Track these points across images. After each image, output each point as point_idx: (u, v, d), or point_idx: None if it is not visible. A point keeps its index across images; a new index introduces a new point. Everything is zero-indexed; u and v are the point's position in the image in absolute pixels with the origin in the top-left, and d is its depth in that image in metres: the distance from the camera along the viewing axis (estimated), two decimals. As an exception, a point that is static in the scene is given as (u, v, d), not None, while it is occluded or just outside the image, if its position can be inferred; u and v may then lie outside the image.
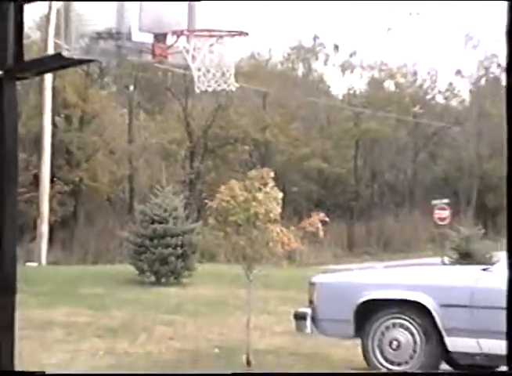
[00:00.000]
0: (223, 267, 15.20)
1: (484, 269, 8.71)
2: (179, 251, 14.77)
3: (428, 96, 31.39)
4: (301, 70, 29.14)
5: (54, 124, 20.89)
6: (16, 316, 5.63)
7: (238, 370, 8.54)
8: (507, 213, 1.46)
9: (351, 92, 30.83)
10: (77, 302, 13.16)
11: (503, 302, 6.71)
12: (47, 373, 6.31)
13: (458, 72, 30.94)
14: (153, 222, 14.95)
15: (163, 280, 15.14)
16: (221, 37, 6.18)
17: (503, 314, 6.66)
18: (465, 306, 8.26)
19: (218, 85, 6.54)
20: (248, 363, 8.62)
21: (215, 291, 14.71)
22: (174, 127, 26.49)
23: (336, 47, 28.46)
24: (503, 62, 31.05)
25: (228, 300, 13.27)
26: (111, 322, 11.61)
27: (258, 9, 17.32)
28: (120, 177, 25.72)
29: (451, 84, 31.72)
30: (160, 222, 14.81)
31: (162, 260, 14.49)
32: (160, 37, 5.84)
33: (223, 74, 6.44)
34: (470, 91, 31.77)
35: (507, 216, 1.48)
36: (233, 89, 6.88)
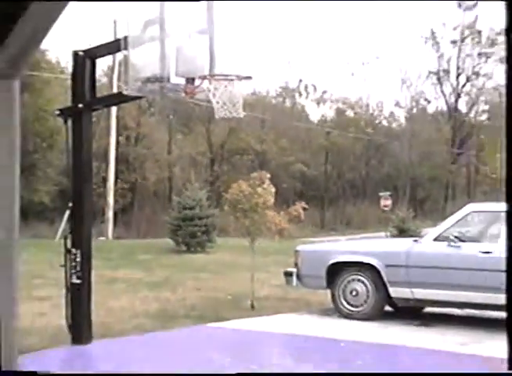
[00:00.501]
0: (234, 240, 17.73)
1: (415, 240, 11.21)
2: (203, 229, 19.17)
3: (377, 121, 41.59)
4: (288, 103, 39.38)
5: (117, 142, 26.43)
6: (92, 274, 8.13)
7: (245, 311, 11.04)
8: (507, 215, 1.44)
9: (324, 118, 40.75)
10: (133, 265, 16.52)
11: (428, 262, 9.40)
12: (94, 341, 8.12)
13: (397, 104, 40.71)
14: (185, 209, 19.36)
15: (192, 249, 19.44)
16: (232, 80, 8.38)
17: (428, 271, 9.33)
18: (402, 266, 10.61)
19: (231, 113, 8.92)
20: (252, 306, 11.19)
21: (229, 256, 18.23)
22: (200, 143, 34.52)
23: (314, 87, 37.84)
24: (429, 96, 39.03)
25: (238, 263, 15.95)
26: (156, 278, 14.59)
27: (260, 57, 22.25)
28: (162, 178, 33.13)
29: (392, 112, 42.09)
30: (190, 209, 19.07)
31: (191, 235, 18.73)
32: (190, 80, 8.05)
33: (234, 106, 8.76)
34: (405, 117, 41.44)
35: (507, 218, 1.46)
36: (241, 116, 9.44)
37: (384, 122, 40.45)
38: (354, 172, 37.07)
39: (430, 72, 36.93)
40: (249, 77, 8.91)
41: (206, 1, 8.46)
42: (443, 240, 10.40)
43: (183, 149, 32.82)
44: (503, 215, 9.26)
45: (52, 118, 12.41)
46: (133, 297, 12.03)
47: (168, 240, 20.44)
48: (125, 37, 8.16)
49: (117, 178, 25.75)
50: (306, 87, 37.55)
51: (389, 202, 23.35)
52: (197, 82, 8.42)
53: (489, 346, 8.62)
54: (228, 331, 9.83)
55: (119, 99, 10.65)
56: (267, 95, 37.36)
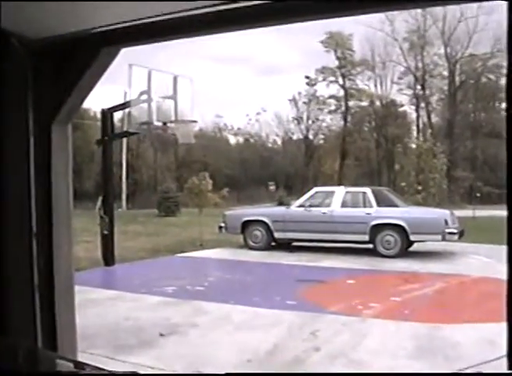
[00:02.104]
0: (191, 210, 21.93)
1: (287, 207, 16.37)
2: (174, 203, 28.51)
3: (266, 144, 58.02)
4: (218, 135, 55.40)
5: (126, 157, 39.20)
6: (114, 229, 12.96)
7: (197, 247, 15.81)
8: (508, 215, 1.31)
9: (237, 143, 56.99)
10: (136, 223, 22.14)
11: (294, 219, 15.79)
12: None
13: (277, 135, 58.18)
14: (164, 193, 28.96)
15: (168, 214, 28.38)
16: (187, 122, 13.82)
17: (294, 223, 15.76)
18: (280, 221, 15.76)
19: (187, 141, 14.75)
20: (201, 244, 16.44)
21: (188, 218, 23.44)
22: (172, 158, 48.78)
23: (232, 126, 55.73)
24: (293, 131, 56.54)
25: (193, 222, 20.06)
26: (149, 231, 20.17)
27: (202, 110, 43.09)
28: (151, 177, 47.46)
29: (274, 139, 58.94)
30: (167, 193, 27.81)
31: (168, 207, 27.42)
32: (164, 123, 13.25)
33: (188, 137, 14.34)
34: (282, 142, 58.73)
35: (508, 218, 1.31)
36: (193, 142, 15.45)
37: (270, 145, 57.98)
38: (255, 171, 51.26)
39: (293, 118, 56.78)
40: (195, 121, 14.78)
41: (172, 77, 14.08)
42: (301, 207, 15.79)
43: (162, 160, 48.98)
44: (332, 193, 15.91)
45: (92, 145, 16.55)
46: (136, 241, 17.44)
47: (155, 210, 29.63)
48: (129, 101, 12.86)
49: (127, 177, 38.59)
50: (228, 126, 56.35)
51: (273, 187, 32.54)
52: (168, 124, 13.38)
53: (325, 262, 13.77)
54: (188, 258, 15.07)
55: (126, 134, 16.44)
56: (207, 131, 53.95)
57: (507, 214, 1.36)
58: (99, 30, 2.12)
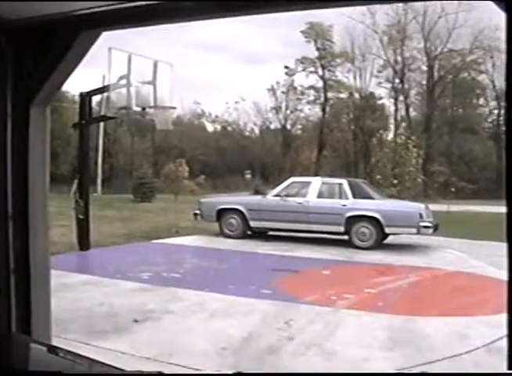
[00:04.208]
0: (167, 196, 22.35)
1: (263, 196, 16.34)
2: (150, 189, 27.85)
3: (244, 133, 58.39)
4: (196, 122, 56.19)
5: (103, 141, 39.02)
6: (90, 214, 12.97)
7: (172, 234, 15.82)
8: (507, 212, 1.26)
9: (215, 130, 57.36)
10: (112, 209, 21.99)
11: (270, 208, 15.83)
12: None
13: (255, 124, 58.80)
14: (140, 178, 28.55)
15: (144, 200, 27.75)
16: (166, 108, 13.73)
17: (270, 212, 15.82)
18: (256, 210, 15.75)
19: (165, 127, 15.08)
20: (176, 231, 16.36)
21: (164, 205, 23.02)
22: (149, 143, 49.07)
23: (210, 113, 56.67)
24: (271, 120, 58.16)
25: (169, 208, 20.22)
26: (124, 216, 20.05)
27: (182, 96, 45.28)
28: (128, 162, 47.13)
29: (252, 128, 59.12)
30: (142, 178, 27.43)
31: (143, 193, 26.96)
32: (143, 109, 13.31)
33: (166, 123, 14.47)
34: (259, 131, 58.81)
35: (507, 220, 1.27)
36: (171, 128, 15.85)
37: (248, 133, 58.68)
38: (232, 160, 51.42)
39: (271, 107, 57.52)
40: (174, 107, 14.71)
41: (152, 62, 13.56)
42: (277, 196, 15.79)
43: (139, 146, 49.28)
44: (308, 183, 15.98)
45: (69, 128, 16.10)
46: (112, 226, 17.34)
47: (130, 195, 29.41)
48: (108, 85, 12.70)
49: (103, 161, 38.60)
50: (206, 113, 57.28)
51: (249, 176, 32.71)
52: (147, 110, 13.43)
53: (300, 252, 13.79)
54: (163, 244, 15.00)
55: (104, 118, 16.34)
56: (185, 117, 54.88)
57: (507, 211, 1.34)
58: (80, 12, 2.08)
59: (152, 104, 13.38)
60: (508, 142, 1.38)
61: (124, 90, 12.80)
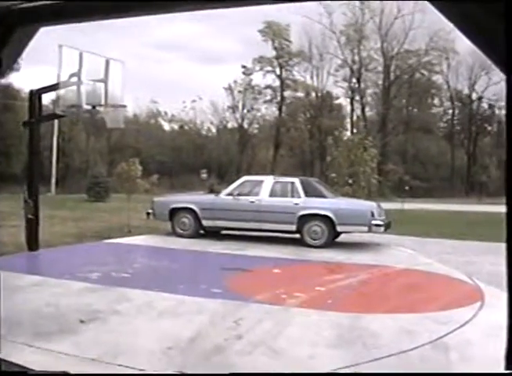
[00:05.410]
0: (121, 195, 20.28)
1: (216, 195, 16.17)
2: (104, 189, 28.63)
3: (201, 132, 60.38)
4: (153, 121, 57.87)
5: (58, 141, 39.36)
6: (40, 213, 12.45)
7: (125, 234, 15.84)
8: (507, 217, 1.23)
9: (172, 130, 59.16)
10: (64, 208, 21.93)
11: (222, 207, 15.75)
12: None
13: (212, 123, 60.88)
14: (94, 178, 29.09)
15: (97, 200, 28.45)
16: (116, 106, 13.60)
17: (223, 211, 15.76)
18: (209, 209, 15.73)
19: (116, 125, 15.24)
20: (129, 231, 16.27)
21: (117, 204, 23.04)
22: (104, 142, 50.20)
23: (166, 113, 58.21)
24: (228, 119, 60.79)
25: (122, 207, 19.62)
26: (77, 216, 20.04)
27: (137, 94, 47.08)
28: (83, 161, 48.00)
29: (209, 127, 61.80)
30: (96, 178, 27.84)
31: (97, 192, 27.38)
32: (93, 107, 13.34)
33: (117, 121, 14.25)
34: (216, 130, 61.21)
35: (507, 220, 1.22)
36: (122, 127, 15.69)
37: (204, 133, 60.04)
38: (188, 159, 52.63)
39: (228, 107, 59.01)
40: (124, 106, 14.34)
41: (104, 60, 13.71)
42: (230, 195, 15.72)
43: (95, 145, 49.92)
44: (261, 182, 15.96)
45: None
46: (63, 226, 17.17)
47: (84, 195, 29.85)
48: (58, 83, 12.37)
49: (57, 160, 38.81)
50: (161, 113, 58.62)
51: (205, 175, 32.87)
52: (98, 108, 13.42)
53: (252, 251, 13.75)
54: (114, 244, 14.79)
55: (54, 116, 16.09)
56: (141, 116, 56.37)
57: (506, 211, 1.31)
58: (15, 7, 2.02)
59: (102, 102, 13.35)
60: (508, 142, 1.35)
61: (74, 88, 12.81)
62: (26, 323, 6.95)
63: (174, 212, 16.18)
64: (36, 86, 13.28)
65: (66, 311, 7.69)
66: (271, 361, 5.88)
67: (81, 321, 7.15)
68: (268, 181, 15.72)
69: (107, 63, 13.30)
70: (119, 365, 5.56)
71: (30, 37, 2.33)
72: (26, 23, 2.17)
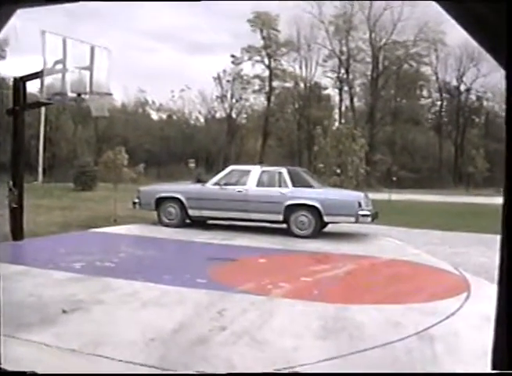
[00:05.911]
0: (109, 185, 20.83)
1: (202, 185, 15.87)
2: (90, 178, 28.12)
3: (189, 121, 60.09)
4: (141, 110, 57.81)
5: (45, 129, 38.80)
6: (24, 202, 12.61)
7: (110, 222, 15.68)
8: (503, 204, 1.22)
9: (160, 119, 58.88)
10: (51, 197, 21.73)
11: (209, 196, 15.69)
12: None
13: (200, 112, 60.76)
14: (81, 167, 28.44)
15: (84, 189, 28.00)
16: (101, 94, 13.37)
17: (209, 201, 15.67)
18: (195, 198, 15.66)
19: (101, 114, 14.88)
20: (115, 220, 16.13)
21: (104, 193, 22.80)
22: (92, 131, 50.16)
23: (154, 102, 58.37)
24: (217, 109, 60.31)
25: (108, 196, 19.66)
26: (64, 205, 19.86)
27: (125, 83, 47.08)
28: (70, 150, 47.25)
29: (197, 117, 61.45)
30: (83, 167, 27.41)
31: (84, 181, 27.04)
32: (78, 95, 12.98)
33: (102, 110, 14.11)
34: (204, 120, 61.13)
35: (506, 216, 1.22)
36: (107, 115, 15.45)
37: (193, 122, 59.86)
38: (176, 148, 52.53)
39: (217, 96, 58.98)
40: (110, 94, 14.05)
41: (90, 47, 13.62)
42: (217, 185, 15.62)
43: (82, 134, 49.78)
44: (248, 171, 15.86)
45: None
46: (49, 215, 17.05)
47: (71, 184, 29.44)
48: (42, 70, 11.95)
49: (44, 149, 38.57)
50: (149, 102, 58.48)
51: (193, 165, 32.82)
52: (83, 96, 13.11)
53: (238, 241, 13.69)
54: (101, 233, 14.71)
55: (38, 105, 15.78)
56: (129, 105, 56.33)
57: (503, 204, 1.32)
58: None
59: (88, 90, 13.10)
60: (508, 140, 1.37)
61: (58, 76, 12.56)
62: (7, 314, 6.77)
63: (160, 202, 16.07)
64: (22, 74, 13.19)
65: (48, 301, 7.57)
66: (254, 352, 5.81)
67: (64, 311, 7.04)
68: (256, 171, 15.62)
69: (92, 50, 13.05)
70: (99, 356, 5.46)
71: (7, 18, 2.23)
72: (3, 3, 2.09)
